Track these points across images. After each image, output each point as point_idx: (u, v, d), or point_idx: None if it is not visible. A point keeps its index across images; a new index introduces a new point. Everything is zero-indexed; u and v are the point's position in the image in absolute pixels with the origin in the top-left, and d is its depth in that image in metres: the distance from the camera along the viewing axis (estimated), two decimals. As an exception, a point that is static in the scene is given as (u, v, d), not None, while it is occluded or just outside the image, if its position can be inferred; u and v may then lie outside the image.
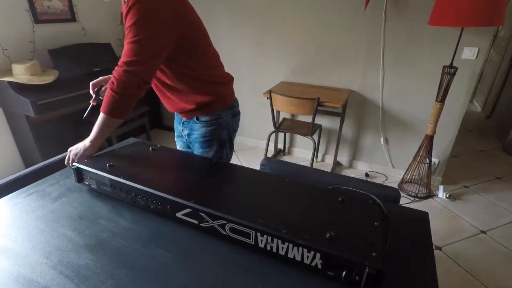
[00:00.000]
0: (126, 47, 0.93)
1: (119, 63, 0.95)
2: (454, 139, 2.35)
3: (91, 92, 1.12)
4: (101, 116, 0.97)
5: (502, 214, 2.20)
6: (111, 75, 0.97)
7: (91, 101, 1.07)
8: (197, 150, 1.24)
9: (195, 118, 1.19)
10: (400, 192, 1.27)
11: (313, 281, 0.63)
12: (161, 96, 1.21)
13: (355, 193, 0.87)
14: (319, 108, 2.20)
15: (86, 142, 0.98)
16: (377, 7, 2.19)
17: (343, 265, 0.60)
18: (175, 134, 1.38)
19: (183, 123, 1.25)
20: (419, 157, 2.28)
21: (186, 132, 1.26)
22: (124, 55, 0.94)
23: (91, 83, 1.11)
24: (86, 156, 0.96)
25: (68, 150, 1.01)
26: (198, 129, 1.20)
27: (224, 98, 1.20)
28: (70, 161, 0.98)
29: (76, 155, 0.97)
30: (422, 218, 0.86)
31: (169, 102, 1.20)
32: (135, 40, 0.91)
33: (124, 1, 0.93)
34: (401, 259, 0.70)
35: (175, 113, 1.27)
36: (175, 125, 1.35)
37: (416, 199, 2.34)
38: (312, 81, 2.64)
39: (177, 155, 1.06)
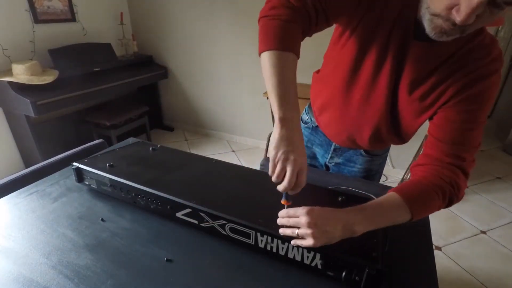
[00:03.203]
0: (466, 133, 0.71)
1: (446, 156, 0.74)
2: (454, 139, 2.35)
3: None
4: (402, 211, 0.66)
5: (502, 214, 2.20)
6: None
7: (283, 202, 0.66)
8: None
9: (362, 150, 0.98)
10: (400, 192, 1.27)
11: (313, 281, 0.63)
12: (364, 132, 0.87)
13: (355, 193, 0.87)
14: (319, 108, 2.19)
15: (355, 226, 0.59)
16: (377, 7, 2.18)
17: (343, 265, 0.60)
18: None
19: (335, 149, 1.02)
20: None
21: (337, 160, 1.04)
22: (469, 145, 0.73)
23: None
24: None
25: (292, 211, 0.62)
26: (363, 163, 1.00)
27: None
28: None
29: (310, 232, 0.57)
30: (422, 218, 0.85)
31: (362, 135, 0.89)
32: (477, 126, 0.72)
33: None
34: (401, 259, 0.70)
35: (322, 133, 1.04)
36: (310, 144, 1.10)
37: (416, 199, 2.33)
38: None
39: (177, 155, 1.06)
